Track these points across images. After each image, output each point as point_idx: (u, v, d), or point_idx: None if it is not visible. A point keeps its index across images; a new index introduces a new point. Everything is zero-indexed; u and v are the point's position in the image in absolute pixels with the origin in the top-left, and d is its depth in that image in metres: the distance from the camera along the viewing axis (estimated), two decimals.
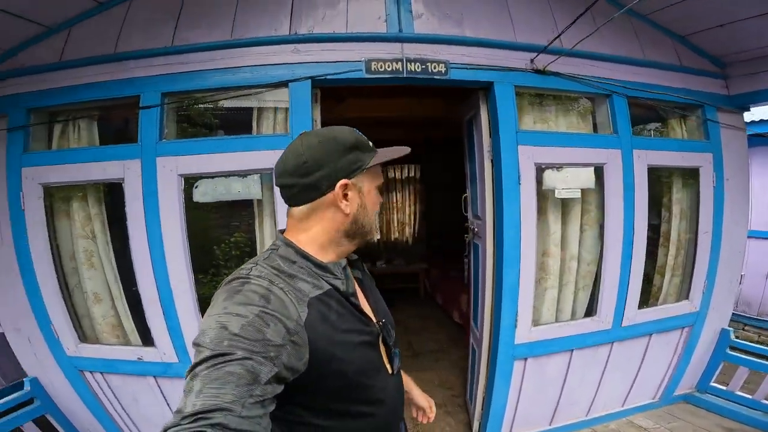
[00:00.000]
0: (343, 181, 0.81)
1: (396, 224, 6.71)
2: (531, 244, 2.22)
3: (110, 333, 2.23)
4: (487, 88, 2.18)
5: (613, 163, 2.30)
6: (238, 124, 2.11)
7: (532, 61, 2.10)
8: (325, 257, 0.83)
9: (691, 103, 2.48)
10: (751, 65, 2.44)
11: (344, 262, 0.86)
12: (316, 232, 0.83)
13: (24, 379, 2.16)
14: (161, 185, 1.96)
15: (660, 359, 2.65)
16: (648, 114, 2.66)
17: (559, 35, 1.83)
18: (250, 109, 2.06)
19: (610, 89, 2.26)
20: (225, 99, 1.99)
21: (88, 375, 2.20)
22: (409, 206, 6.69)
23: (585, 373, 2.47)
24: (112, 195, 2.19)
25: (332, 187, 0.80)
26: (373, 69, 1.93)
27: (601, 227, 2.42)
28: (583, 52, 2.10)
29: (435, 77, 1.98)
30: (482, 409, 2.47)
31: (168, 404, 2.20)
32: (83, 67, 1.96)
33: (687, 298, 2.64)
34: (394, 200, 6.67)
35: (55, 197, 2.13)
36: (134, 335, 2.21)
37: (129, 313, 2.21)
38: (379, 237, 0.99)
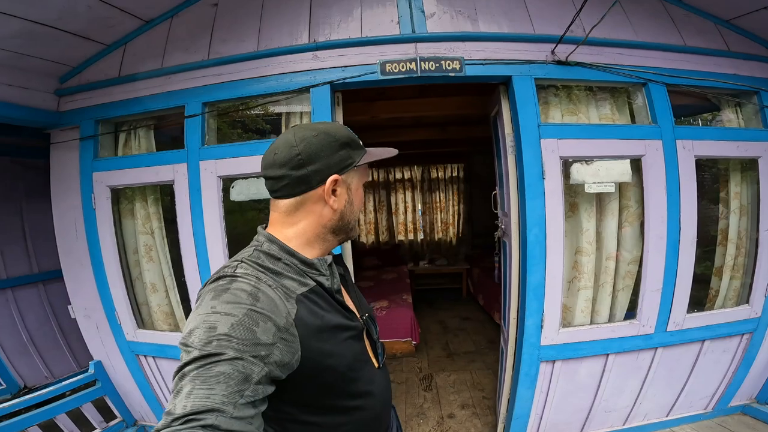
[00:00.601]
0: (334, 177, 0.81)
1: (440, 224, 6.67)
2: (558, 241, 2.13)
3: (163, 320, 2.49)
4: (506, 82, 2.14)
5: (652, 154, 2.14)
6: (269, 129, 2.29)
7: (552, 52, 2.04)
8: (311, 253, 0.83)
9: (744, 89, 2.25)
10: None
11: (329, 258, 0.85)
12: (303, 227, 0.83)
13: (90, 363, 2.46)
14: (204, 186, 2.18)
15: (714, 368, 2.40)
16: (697, 103, 2.44)
17: (573, 20, 1.76)
18: (279, 115, 2.22)
19: (645, 77, 2.11)
20: (255, 106, 2.17)
21: (142, 359, 2.46)
22: (453, 206, 6.61)
23: (623, 380, 2.31)
24: (166, 195, 2.48)
25: (323, 182, 0.80)
26: (387, 70, 1.99)
27: (642, 224, 2.26)
28: (610, 40, 2.01)
29: (450, 75, 2.00)
30: (506, 412, 2.41)
31: None
32: (137, 81, 2.23)
33: (747, 302, 2.37)
34: (437, 200, 6.63)
35: (121, 198, 2.44)
36: (183, 323, 2.45)
37: (180, 302, 2.45)
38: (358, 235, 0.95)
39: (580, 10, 1.66)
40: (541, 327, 2.16)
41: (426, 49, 2.03)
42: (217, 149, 2.18)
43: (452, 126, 4.63)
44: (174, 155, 2.23)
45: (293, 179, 0.79)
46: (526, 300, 2.15)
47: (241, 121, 2.30)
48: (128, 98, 2.24)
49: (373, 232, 6.77)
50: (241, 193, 2.21)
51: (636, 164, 2.19)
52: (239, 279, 0.70)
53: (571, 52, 1.96)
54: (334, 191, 0.82)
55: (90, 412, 2.32)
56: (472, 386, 3.14)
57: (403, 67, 1.99)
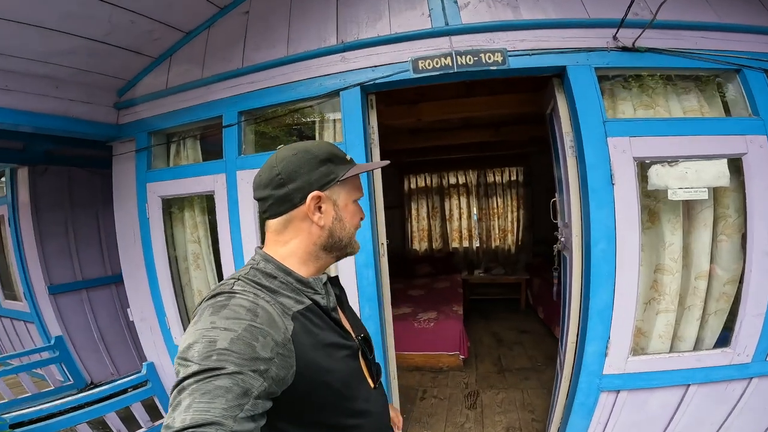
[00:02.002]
0: (315, 193, 0.80)
1: (497, 231, 6.29)
2: (633, 257, 1.81)
3: None
4: (560, 74, 1.86)
5: (755, 153, 1.73)
6: (304, 135, 2.23)
7: (614, 37, 1.71)
8: (306, 271, 0.83)
9: None
10: None
11: (325, 277, 0.86)
12: (294, 246, 0.83)
13: (143, 363, 2.60)
14: (241, 196, 2.17)
15: None
16: None
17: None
18: (313, 122, 2.15)
19: (738, 63, 1.71)
20: (286, 113, 2.12)
21: None
22: (512, 212, 6.19)
23: (703, 413, 1.93)
24: (211, 205, 2.54)
25: (304, 200, 0.80)
26: (420, 68, 1.81)
27: (743, 237, 1.84)
28: (687, 23, 1.69)
29: (491, 68, 1.76)
30: None
31: None
32: (182, 92, 2.28)
33: None
34: (495, 205, 6.26)
35: (173, 207, 2.54)
36: None
37: None
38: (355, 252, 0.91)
39: None
40: (606, 355, 1.86)
41: (462, 42, 1.82)
42: (252, 159, 2.17)
43: (507, 126, 4.30)
44: (214, 165, 2.25)
45: (276, 198, 0.80)
46: (588, 323, 1.86)
47: (275, 129, 2.26)
48: (174, 110, 2.31)
49: (426, 239, 6.59)
50: None
51: (735, 164, 1.79)
52: (237, 295, 0.71)
53: (638, 37, 1.62)
54: (319, 208, 0.82)
55: (138, 411, 2.44)
56: (522, 407, 2.85)
57: (437, 63, 1.80)
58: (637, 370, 1.87)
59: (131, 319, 2.70)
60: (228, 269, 2.27)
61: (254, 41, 2.13)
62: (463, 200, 6.42)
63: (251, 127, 2.24)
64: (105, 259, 3.66)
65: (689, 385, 1.88)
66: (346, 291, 1.02)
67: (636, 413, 1.95)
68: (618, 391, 1.91)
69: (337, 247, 0.86)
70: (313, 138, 2.16)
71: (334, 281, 0.96)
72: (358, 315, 1.12)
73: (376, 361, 0.96)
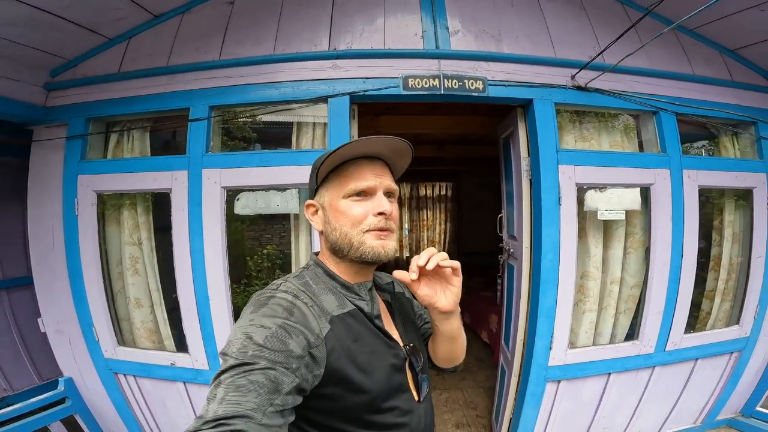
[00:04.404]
0: (307, 202, 0.89)
1: (426, 242, 6.64)
2: (570, 266, 2.14)
3: (147, 338, 2.30)
4: (525, 105, 2.14)
5: (661, 183, 2.20)
6: (278, 138, 2.17)
7: (572, 77, 2.05)
8: (348, 276, 0.85)
9: (743, 119, 2.36)
10: None
11: (370, 284, 0.87)
12: (322, 252, 0.89)
13: (59, 379, 2.24)
14: (205, 196, 2.03)
15: (705, 384, 2.49)
16: (697, 131, 2.54)
17: (603, 51, 1.79)
18: (290, 124, 2.12)
19: (657, 106, 2.17)
20: (268, 113, 2.05)
21: (121, 377, 2.27)
22: (440, 224, 6.63)
23: (622, 398, 2.35)
24: (159, 204, 2.30)
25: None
26: (410, 85, 1.94)
27: (647, 250, 2.31)
28: (627, 68, 2.04)
29: (473, 94, 1.97)
30: (509, 430, 2.38)
31: (194, 410, 2.23)
32: (140, 79, 2.06)
33: (737, 323, 2.48)
34: (425, 218, 6.62)
35: (107, 205, 2.24)
36: (169, 341, 2.27)
37: (167, 319, 2.27)
38: (391, 254, 0.82)
39: (612, 43, 1.66)
40: (550, 348, 2.16)
41: (449, 67, 2.00)
42: (222, 157, 2.04)
43: (450, 144, 4.64)
44: (174, 161, 2.06)
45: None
46: (537, 322, 2.14)
47: (250, 128, 2.17)
48: (128, 96, 2.07)
49: None
50: (246, 206, 2.08)
51: (645, 192, 2.24)
52: (278, 295, 0.74)
53: (594, 79, 1.98)
54: (315, 214, 0.88)
55: (58, 431, 2.14)
56: (465, 405, 3.10)
57: (426, 84, 1.94)
58: (573, 361, 2.20)
59: (42, 331, 2.28)
60: (183, 276, 2.09)
61: (237, 35, 2.03)
62: None
63: (221, 124, 2.11)
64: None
65: (610, 373, 2.27)
66: None
67: (573, 401, 2.28)
68: (559, 381, 2.21)
69: (341, 250, 0.82)
70: (290, 142, 2.12)
71: (387, 288, 0.98)
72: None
73: (425, 373, 0.92)
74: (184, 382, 2.18)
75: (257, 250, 2.37)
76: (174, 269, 2.11)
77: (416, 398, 0.86)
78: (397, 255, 6.66)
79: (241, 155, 2.04)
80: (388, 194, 0.85)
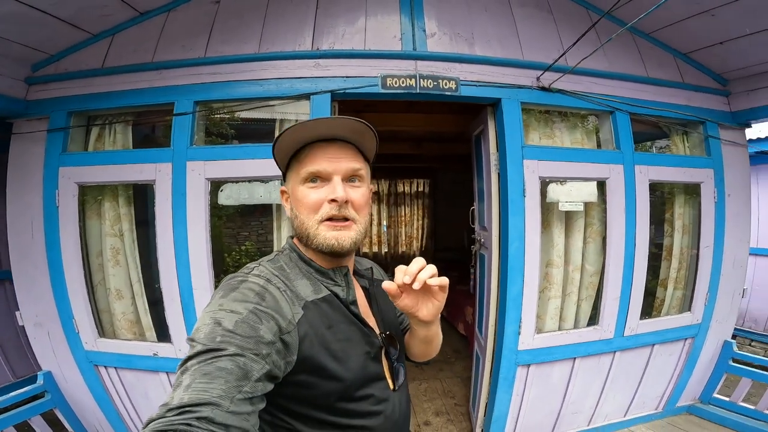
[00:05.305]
0: (280, 188, 0.89)
1: (404, 237, 6.78)
2: (535, 255, 2.30)
3: (128, 329, 2.32)
4: (495, 104, 2.30)
5: (615, 177, 2.40)
6: (261, 133, 2.26)
7: (538, 78, 2.23)
8: (321, 262, 0.83)
9: (692, 119, 2.58)
10: (752, 81, 2.54)
11: (346, 269, 0.85)
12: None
13: (38, 373, 2.23)
14: (190, 188, 2.09)
15: (663, 370, 2.69)
16: (652, 130, 2.77)
17: (564, 53, 1.95)
18: (273, 120, 2.20)
19: (613, 106, 2.37)
20: (251, 109, 2.14)
21: (102, 370, 2.27)
22: (417, 220, 6.77)
23: (588, 382, 2.51)
24: (140, 196, 2.34)
25: None
26: (388, 84, 2.07)
27: (604, 240, 2.50)
28: (587, 70, 2.22)
29: (446, 93, 2.11)
30: (484, 416, 2.51)
31: None
32: (124, 74, 2.11)
33: (689, 310, 2.69)
34: (402, 214, 6.76)
35: (88, 197, 2.26)
36: (151, 332, 2.30)
37: (148, 309, 2.30)
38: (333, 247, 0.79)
39: (571, 47, 1.84)
40: (519, 333, 2.31)
41: (425, 67, 2.13)
42: (207, 150, 2.11)
43: (427, 142, 4.79)
44: (158, 153, 2.12)
45: None
46: (506, 309, 2.29)
47: (235, 123, 2.24)
48: (112, 91, 2.11)
49: None
50: (230, 197, 2.15)
51: (601, 186, 2.44)
52: (250, 279, 0.72)
53: (556, 80, 2.16)
54: (287, 201, 0.87)
55: (38, 425, 2.12)
56: (444, 394, 3.23)
57: (403, 83, 2.07)
58: (541, 345, 2.35)
59: (21, 324, 2.27)
60: (167, 267, 2.14)
61: (223, 34, 2.11)
62: (374, 208, 6.77)
63: (204, 118, 2.18)
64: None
65: (575, 358, 2.43)
66: None
67: (542, 386, 2.43)
68: (529, 365, 2.36)
69: (302, 239, 0.82)
70: (272, 136, 2.21)
71: (365, 274, 0.96)
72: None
73: (401, 361, 0.90)
74: (167, 372, 2.21)
75: (234, 248, 2.42)
76: (157, 259, 2.16)
77: (392, 386, 0.84)
78: (376, 250, 6.79)
79: (225, 148, 2.12)
80: (352, 178, 0.81)
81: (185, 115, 2.07)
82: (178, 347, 2.18)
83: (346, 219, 0.78)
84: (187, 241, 2.11)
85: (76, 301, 2.21)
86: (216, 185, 2.14)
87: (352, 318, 0.80)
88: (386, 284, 0.74)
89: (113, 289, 2.30)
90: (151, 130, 2.48)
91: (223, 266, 2.35)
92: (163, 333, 2.24)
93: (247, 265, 0.79)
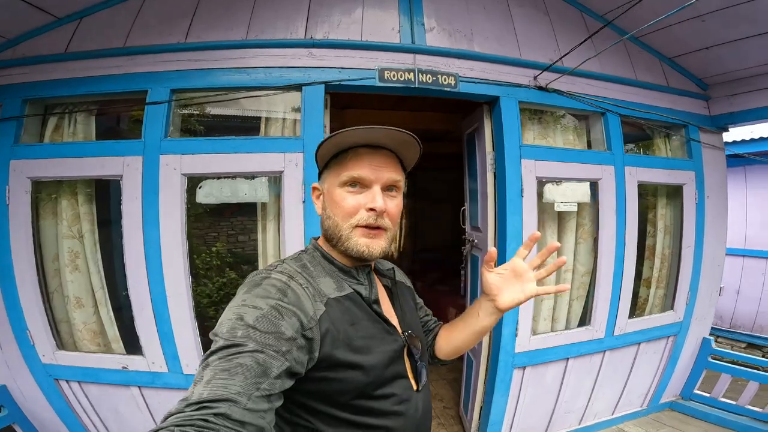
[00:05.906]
0: (312, 185, 0.89)
1: None
2: (532, 255, 2.25)
3: (91, 340, 2.10)
4: (491, 102, 2.25)
5: (607, 178, 2.40)
6: (245, 125, 2.08)
7: (535, 78, 2.19)
8: (344, 262, 0.83)
9: (675, 122, 2.64)
10: (730, 87, 2.63)
11: (368, 268, 0.86)
12: (322, 236, 0.87)
13: None
14: (163, 184, 1.89)
15: (647, 367, 2.74)
16: (637, 132, 2.81)
17: (563, 56, 1.93)
18: (258, 111, 2.04)
19: (605, 107, 2.38)
20: (238, 98, 1.97)
21: (63, 384, 2.05)
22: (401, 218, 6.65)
23: (580, 382, 2.52)
24: (103, 194, 2.10)
25: None
26: (386, 77, 1.95)
27: (595, 240, 2.50)
28: (581, 71, 2.20)
29: (445, 89, 2.03)
30: (479, 419, 2.46)
31: (152, 415, 2.06)
32: (90, 60, 1.90)
33: (672, 308, 2.76)
34: None
35: (42, 193, 2.01)
36: (117, 343, 2.08)
37: (113, 319, 2.09)
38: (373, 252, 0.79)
39: (572, 50, 1.80)
40: (516, 335, 2.26)
41: (424, 62, 2.04)
42: (184, 142, 1.92)
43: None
44: (126, 146, 1.91)
45: None
46: None
47: (213, 115, 2.05)
48: (74, 77, 1.89)
49: None
50: (210, 194, 1.97)
51: (593, 186, 2.43)
52: (272, 276, 0.72)
53: (554, 80, 2.12)
54: (319, 198, 0.87)
55: None
56: (432, 397, 3.15)
57: (401, 77, 1.96)
58: (536, 347, 2.33)
59: None
60: (136, 271, 1.93)
61: (207, 19, 1.93)
62: None
63: (181, 108, 1.98)
64: None
65: (568, 358, 2.42)
66: None
67: (537, 386, 2.41)
68: (524, 368, 2.32)
69: (331, 239, 0.82)
70: (259, 129, 2.04)
71: (387, 273, 0.96)
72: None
73: (423, 361, 0.89)
74: (139, 387, 2.01)
75: (203, 249, 2.25)
76: (123, 264, 1.94)
77: (414, 387, 0.83)
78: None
79: (205, 141, 1.93)
80: (390, 188, 0.82)
81: (160, 104, 1.86)
82: (151, 360, 1.98)
83: (379, 228, 0.79)
84: (160, 244, 1.91)
85: (29, 311, 1.97)
86: (194, 182, 1.95)
87: (375, 316, 0.80)
88: (491, 249, 0.83)
89: (72, 296, 2.07)
90: (116, 122, 2.24)
91: (209, 263, 2.16)
92: (132, 344, 2.03)
93: (272, 262, 0.79)
